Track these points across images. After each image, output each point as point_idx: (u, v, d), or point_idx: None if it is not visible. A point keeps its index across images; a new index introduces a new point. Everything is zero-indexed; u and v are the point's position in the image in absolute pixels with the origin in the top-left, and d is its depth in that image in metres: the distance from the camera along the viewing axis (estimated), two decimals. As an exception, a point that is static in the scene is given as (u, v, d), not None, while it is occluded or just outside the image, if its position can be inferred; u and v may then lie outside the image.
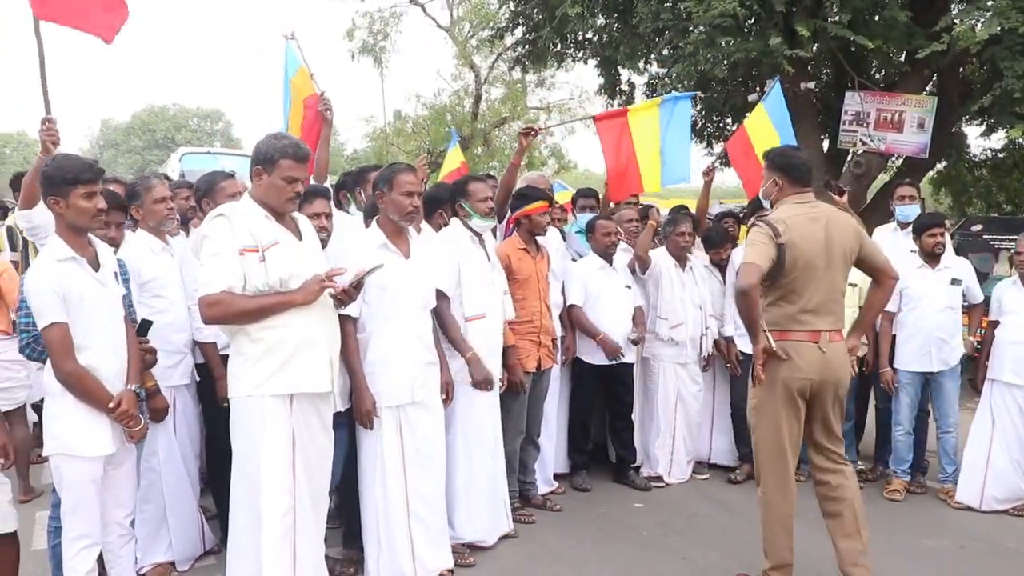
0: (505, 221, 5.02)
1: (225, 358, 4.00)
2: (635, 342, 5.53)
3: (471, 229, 4.47)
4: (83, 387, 3.16)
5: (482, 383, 4.29)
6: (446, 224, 4.63)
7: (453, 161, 7.55)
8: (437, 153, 21.89)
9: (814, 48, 8.68)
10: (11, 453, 3.39)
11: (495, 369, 4.46)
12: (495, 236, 5.07)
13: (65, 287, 3.10)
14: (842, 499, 3.83)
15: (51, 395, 3.21)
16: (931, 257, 5.45)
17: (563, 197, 7.66)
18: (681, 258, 5.76)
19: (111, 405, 3.20)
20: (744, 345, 5.63)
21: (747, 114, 13.06)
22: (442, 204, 4.72)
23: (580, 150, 61.86)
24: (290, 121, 5.49)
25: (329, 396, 3.41)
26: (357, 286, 3.36)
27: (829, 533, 3.87)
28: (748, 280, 3.59)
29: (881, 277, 3.98)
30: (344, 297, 3.30)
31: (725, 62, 9.28)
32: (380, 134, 23.28)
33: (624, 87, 12.92)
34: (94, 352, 3.18)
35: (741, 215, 7.84)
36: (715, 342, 5.89)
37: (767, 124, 6.31)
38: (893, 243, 5.70)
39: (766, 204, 4.01)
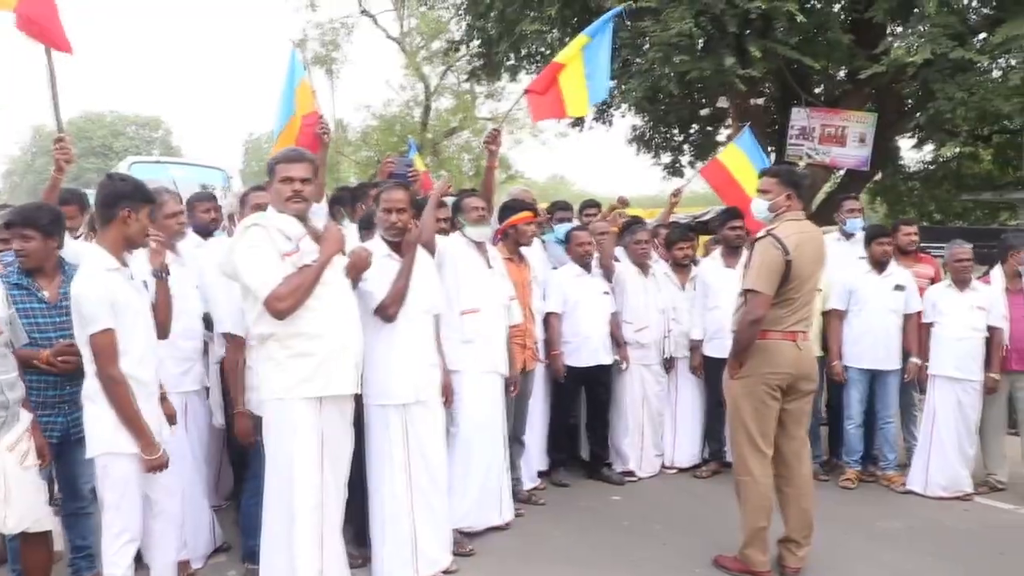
0: (493, 232, 5.30)
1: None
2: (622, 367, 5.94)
3: (468, 238, 4.78)
4: (118, 393, 3.29)
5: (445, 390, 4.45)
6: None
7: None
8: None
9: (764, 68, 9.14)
10: (47, 455, 3.50)
11: (499, 361, 4.76)
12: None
13: (114, 295, 3.27)
14: (786, 491, 4.28)
15: (91, 399, 3.34)
16: (878, 264, 5.92)
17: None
18: (643, 265, 6.12)
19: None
20: (711, 350, 6.01)
21: (694, 125, 13.55)
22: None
23: (526, 162, 62.67)
24: (284, 131, 5.22)
25: (351, 397, 3.66)
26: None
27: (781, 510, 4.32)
28: (760, 311, 4.07)
29: None
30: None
31: (675, 78, 9.67)
32: (331, 144, 23.32)
33: (575, 98, 13.28)
34: (133, 357, 3.35)
35: (693, 224, 8.32)
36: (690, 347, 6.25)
37: (743, 158, 6.83)
38: (839, 251, 6.12)
39: (766, 216, 4.31)
